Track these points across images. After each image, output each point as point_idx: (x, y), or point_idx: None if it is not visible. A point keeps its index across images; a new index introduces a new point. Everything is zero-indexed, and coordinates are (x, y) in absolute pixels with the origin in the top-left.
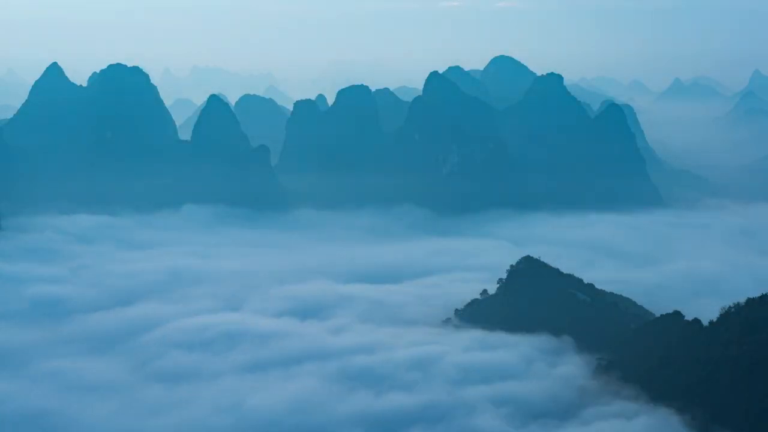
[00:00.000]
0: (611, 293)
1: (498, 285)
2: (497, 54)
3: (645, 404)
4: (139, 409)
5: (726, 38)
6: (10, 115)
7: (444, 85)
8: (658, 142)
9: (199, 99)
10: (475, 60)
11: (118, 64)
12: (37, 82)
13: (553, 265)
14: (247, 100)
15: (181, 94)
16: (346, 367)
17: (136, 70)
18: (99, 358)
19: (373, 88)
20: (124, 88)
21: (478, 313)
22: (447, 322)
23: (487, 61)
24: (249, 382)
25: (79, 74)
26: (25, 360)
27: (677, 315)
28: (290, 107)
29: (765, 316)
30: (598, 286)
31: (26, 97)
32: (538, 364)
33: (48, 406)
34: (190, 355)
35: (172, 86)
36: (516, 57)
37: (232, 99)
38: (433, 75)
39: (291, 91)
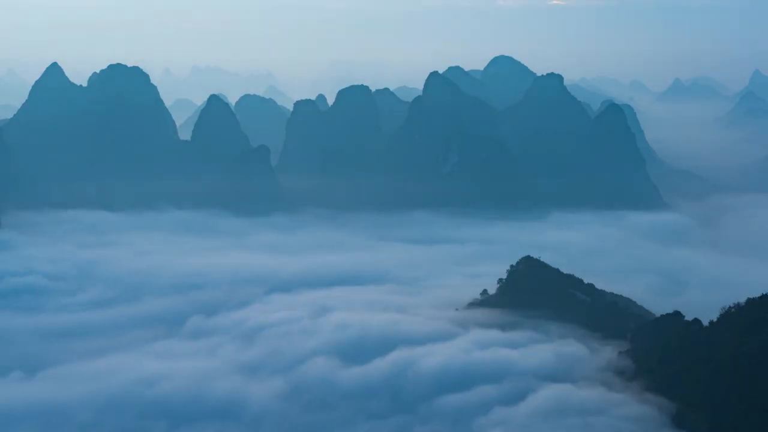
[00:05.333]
0: (611, 293)
1: (498, 285)
2: (497, 54)
3: (645, 403)
4: None
5: (726, 38)
6: (10, 115)
7: (444, 85)
8: (658, 142)
9: (199, 99)
10: (475, 60)
11: (118, 64)
12: (37, 82)
13: (553, 265)
14: (247, 100)
15: (181, 94)
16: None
17: (136, 70)
18: None
19: (373, 88)
20: (124, 88)
21: (478, 313)
22: (447, 321)
23: (487, 61)
24: None
25: (79, 74)
26: None
27: (677, 315)
28: (290, 107)
29: (765, 316)
30: (598, 285)
31: (26, 97)
32: (537, 364)
33: None
34: None
35: (172, 86)
36: (516, 57)
37: (232, 99)
38: (433, 75)
39: (291, 91)
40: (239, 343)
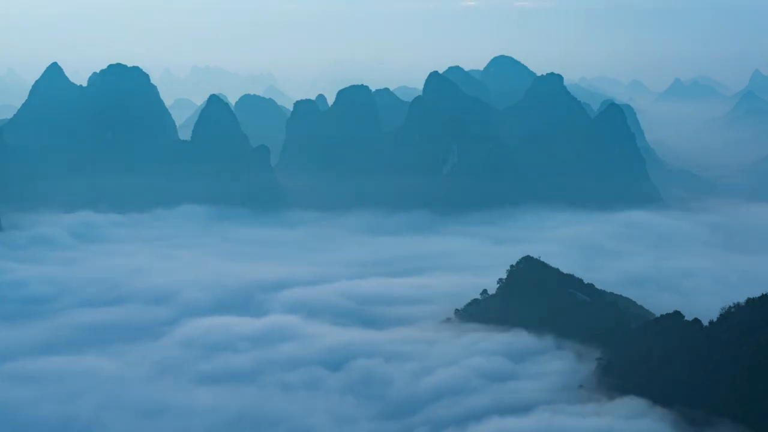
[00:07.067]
0: (611, 293)
1: (498, 285)
2: (497, 54)
3: (645, 404)
4: None
5: (726, 38)
6: (10, 115)
7: (444, 85)
8: (658, 142)
9: (199, 99)
10: (475, 60)
11: (118, 64)
12: (37, 82)
13: (553, 265)
14: (247, 100)
15: (181, 94)
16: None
17: (136, 70)
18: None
19: (373, 88)
20: (124, 88)
21: (478, 313)
22: (447, 321)
23: (487, 61)
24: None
25: (79, 74)
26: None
27: (677, 315)
28: (290, 107)
29: (765, 316)
30: (598, 285)
31: (26, 97)
32: (538, 365)
33: None
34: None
35: (172, 86)
36: (516, 57)
37: (232, 99)
38: (433, 75)
39: (291, 91)
40: (205, 350)
